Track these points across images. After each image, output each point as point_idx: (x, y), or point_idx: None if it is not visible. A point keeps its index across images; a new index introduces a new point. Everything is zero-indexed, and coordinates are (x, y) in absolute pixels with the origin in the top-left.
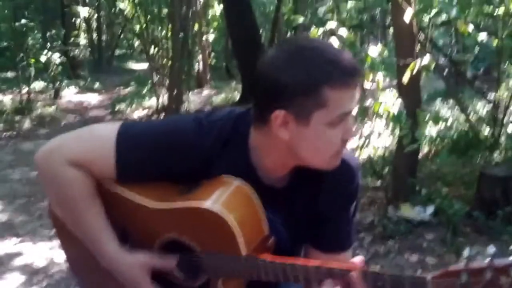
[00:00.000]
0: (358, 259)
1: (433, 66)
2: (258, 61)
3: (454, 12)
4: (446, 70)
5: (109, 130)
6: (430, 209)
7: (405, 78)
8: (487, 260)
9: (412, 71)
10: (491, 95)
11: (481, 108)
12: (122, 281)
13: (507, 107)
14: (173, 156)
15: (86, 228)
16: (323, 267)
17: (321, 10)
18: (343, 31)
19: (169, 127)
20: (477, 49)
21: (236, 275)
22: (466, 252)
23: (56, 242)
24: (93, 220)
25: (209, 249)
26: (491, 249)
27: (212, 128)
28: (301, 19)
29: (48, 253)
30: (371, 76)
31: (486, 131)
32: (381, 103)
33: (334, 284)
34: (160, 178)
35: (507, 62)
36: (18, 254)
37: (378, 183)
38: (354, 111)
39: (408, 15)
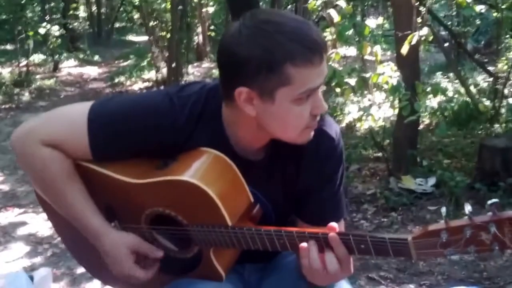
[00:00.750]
0: (334, 224)
1: (431, 38)
2: (222, 36)
3: None
4: (447, 43)
5: (80, 110)
6: (432, 181)
7: (404, 50)
8: (466, 217)
9: (410, 42)
10: (492, 68)
11: (482, 81)
12: (104, 257)
13: (507, 80)
14: (146, 135)
15: (69, 206)
16: (305, 231)
17: None
18: (342, 3)
19: (140, 105)
20: (477, 22)
21: (225, 245)
22: (467, 208)
23: None
24: (74, 197)
25: (195, 221)
26: (468, 207)
27: (184, 104)
28: None
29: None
30: (369, 49)
31: (486, 103)
32: (379, 74)
33: (318, 246)
34: (135, 155)
35: (508, 35)
36: (22, 224)
37: (380, 154)
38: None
39: None
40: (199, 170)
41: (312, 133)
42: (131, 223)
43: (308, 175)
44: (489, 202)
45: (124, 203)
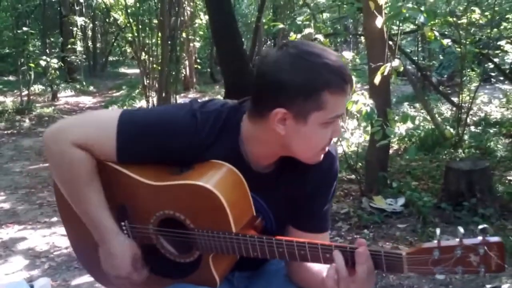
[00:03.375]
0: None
1: (401, 69)
2: (258, 61)
3: (422, 18)
4: (413, 76)
5: (111, 116)
6: (401, 201)
7: (377, 80)
8: (458, 239)
9: (383, 73)
10: (455, 99)
11: (446, 110)
12: (107, 256)
13: (469, 109)
14: (169, 146)
15: (86, 202)
16: (305, 242)
17: (299, 18)
18: (320, 37)
19: (165, 118)
20: (441, 57)
21: (226, 251)
22: (438, 231)
23: (56, 228)
24: (92, 196)
25: (202, 226)
26: (461, 230)
27: (206, 119)
28: (280, 26)
29: (49, 238)
30: None
31: (450, 130)
32: (354, 102)
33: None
34: (156, 161)
35: (469, 68)
36: (22, 239)
37: (353, 176)
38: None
39: (379, 21)
40: (213, 178)
41: (323, 155)
42: (139, 223)
43: (307, 186)
44: (480, 227)
45: (138, 204)
